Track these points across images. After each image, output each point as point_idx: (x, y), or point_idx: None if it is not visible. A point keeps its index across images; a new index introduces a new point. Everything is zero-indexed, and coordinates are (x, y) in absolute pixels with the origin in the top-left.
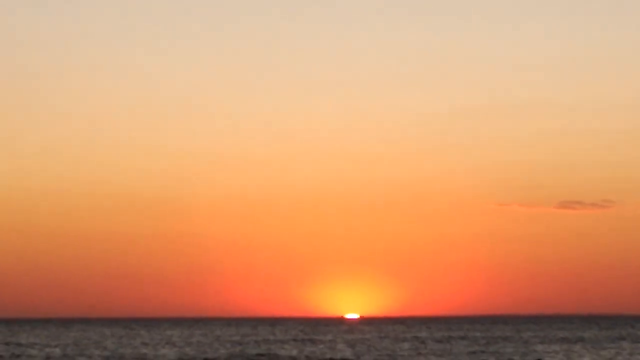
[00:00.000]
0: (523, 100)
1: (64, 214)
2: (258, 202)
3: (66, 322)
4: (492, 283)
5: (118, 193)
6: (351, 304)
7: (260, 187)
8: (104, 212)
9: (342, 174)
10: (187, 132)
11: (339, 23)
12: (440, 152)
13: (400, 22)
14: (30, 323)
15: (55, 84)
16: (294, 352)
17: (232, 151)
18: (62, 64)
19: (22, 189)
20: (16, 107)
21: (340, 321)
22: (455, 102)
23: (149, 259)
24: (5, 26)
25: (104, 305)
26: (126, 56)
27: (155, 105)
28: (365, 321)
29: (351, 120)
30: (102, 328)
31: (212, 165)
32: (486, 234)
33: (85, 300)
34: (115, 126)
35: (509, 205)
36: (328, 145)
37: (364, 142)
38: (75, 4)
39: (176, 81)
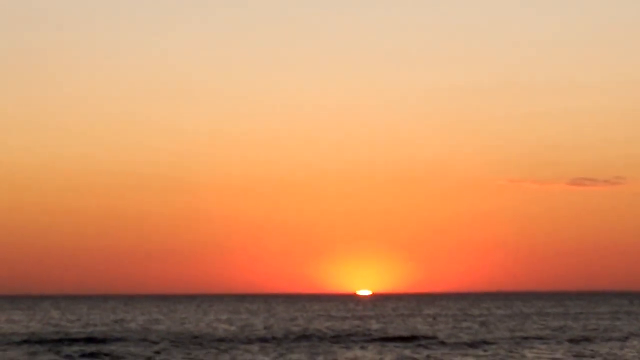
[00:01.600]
0: (535, 78)
1: (76, 191)
2: (270, 180)
3: (80, 299)
4: (503, 260)
5: (131, 171)
6: (363, 280)
7: (273, 165)
8: (117, 190)
9: (354, 152)
10: (201, 111)
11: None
12: (452, 129)
13: None
14: (46, 300)
15: (67, 63)
16: (378, 327)
17: (245, 130)
18: (74, 42)
19: (28, 166)
20: (27, 84)
21: (352, 298)
22: (467, 79)
23: (160, 237)
24: (17, 3)
25: (114, 282)
26: (139, 35)
27: (167, 84)
28: (380, 298)
29: (364, 98)
30: (127, 305)
31: (226, 144)
32: (498, 211)
33: (94, 277)
34: (127, 105)
35: (521, 182)
36: (340, 124)
37: (375, 121)
38: None
39: (187, 60)
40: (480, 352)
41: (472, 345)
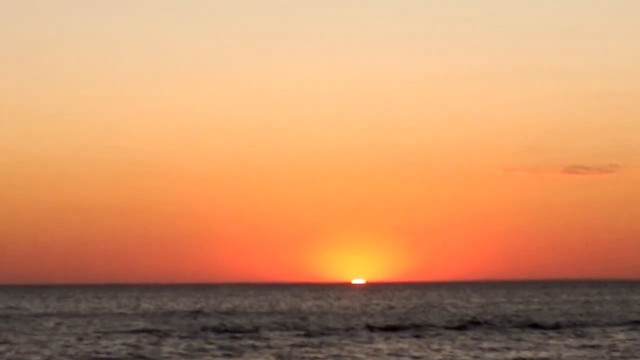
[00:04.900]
0: (528, 66)
1: (66, 182)
2: (263, 168)
3: (70, 289)
4: (498, 248)
5: (123, 160)
6: (357, 269)
7: (267, 153)
8: (108, 181)
9: (349, 140)
10: (191, 100)
11: None
12: (445, 117)
13: None
14: (43, 289)
15: (64, 52)
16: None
17: (236, 118)
18: (73, 32)
19: (21, 155)
20: (27, 74)
21: (348, 287)
22: (459, 67)
23: (154, 227)
24: None
25: (108, 272)
26: (138, 23)
27: (160, 71)
28: (375, 287)
29: (360, 86)
30: (130, 294)
31: (217, 132)
32: (492, 199)
33: (90, 267)
34: (121, 92)
35: (515, 170)
36: (336, 111)
37: (370, 109)
38: None
39: (182, 48)
40: None
41: None
